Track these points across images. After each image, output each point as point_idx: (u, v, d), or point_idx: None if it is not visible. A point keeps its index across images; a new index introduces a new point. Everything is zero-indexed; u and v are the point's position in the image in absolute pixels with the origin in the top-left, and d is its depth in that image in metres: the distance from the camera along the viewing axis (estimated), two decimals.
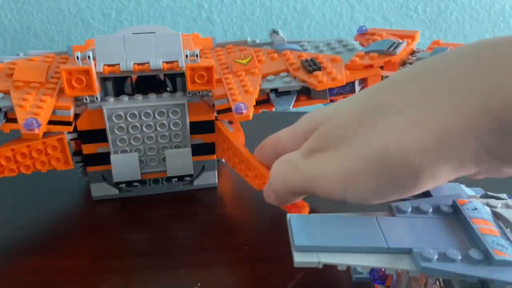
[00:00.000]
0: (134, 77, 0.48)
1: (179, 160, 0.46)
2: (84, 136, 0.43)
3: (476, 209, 0.27)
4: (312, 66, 0.43)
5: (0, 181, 0.44)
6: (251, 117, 0.38)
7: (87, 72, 0.39)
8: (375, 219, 0.27)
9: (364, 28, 0.50)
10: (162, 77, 0.48)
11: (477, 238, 0.25)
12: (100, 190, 0.47)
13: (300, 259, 0.24)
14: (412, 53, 0.45)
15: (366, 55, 0.44)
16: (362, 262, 0.25)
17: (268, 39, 0.51)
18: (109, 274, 0.38)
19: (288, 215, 0.27)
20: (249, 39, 0.52)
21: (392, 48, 0.43)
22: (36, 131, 0.35)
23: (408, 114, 0.24)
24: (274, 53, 0.47)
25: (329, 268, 0.25)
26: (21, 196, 0.49)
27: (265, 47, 0.50)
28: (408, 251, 0.25)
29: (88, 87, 0.40)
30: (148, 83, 0.47)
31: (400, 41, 0.45)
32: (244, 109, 0.38)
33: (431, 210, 0.27)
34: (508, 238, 0.25)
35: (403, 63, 0.44)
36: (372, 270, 0.33)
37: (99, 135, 0.44)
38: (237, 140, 0.44)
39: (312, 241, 0.25)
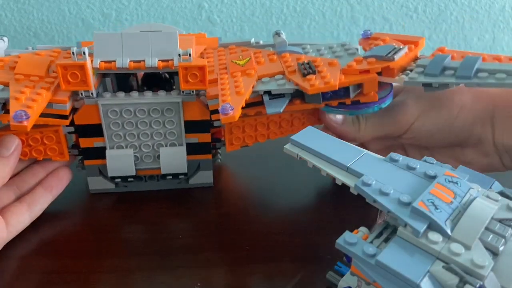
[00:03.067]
0: (140, 74, 0.49)
1: (173, 158, 0.46)
2: (81, 130, 0.44)
3: (452, 182, 0.30)
4: (307, 69, 0.42)
5: None
6: (236, 119, 0.38)
7: (81, 68, 0.40)
8: (363, 152, 0.33)
9: (369, 32, 0.49)
10: (167, 75, 0.48)
11: (423, 192, 0.29)
12: (97, 183, 0.48)
13: (288, 147, 0.35)
14: (416, 59, 0.44)
15: (364, 60, 0.43)
16: (325, 167, 0.33)
17: (271, 41, 0.51)
18: (108, 274, 0.39)
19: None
20: (253, 40, 0.52)
21: (391, 54, 0.42)
22: (25, 123, 0.36)
23: None
24: (273, 55, 0.47)
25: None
26: None
27: (267, 49, 0.49)
28: (360, 176, 0.31)
29: (82, 82, 0.41)
30: (154, 80, 0.48)
31: (401, 47, 0.43)
32: (230, 110, 0.38)
33: (417, 168, 0.31)
34: (454, 210, 0.28)
35: (403, 70, 0.42)
36: None
37: (96, 130, 0.44)
38: None
39: (303, 142, 0.34)
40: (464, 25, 0.76)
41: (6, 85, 0.41)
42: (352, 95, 0.42)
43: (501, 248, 0.26)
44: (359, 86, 0.42)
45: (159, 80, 0.48)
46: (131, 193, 0.49)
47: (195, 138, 0.46)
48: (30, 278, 0.38)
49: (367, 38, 0.48)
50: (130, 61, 0.42)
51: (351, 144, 0.35)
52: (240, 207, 0.48)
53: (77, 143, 0.47)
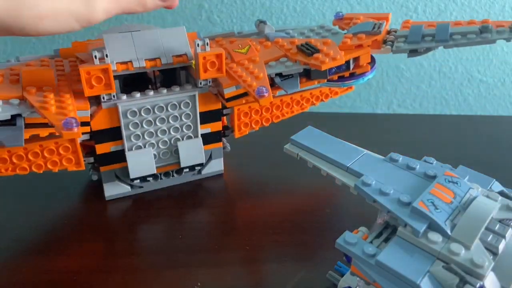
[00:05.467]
0: (157, 72, 0.47)
1: (191, 150, 0.47)
2: (98, 136, 0.44)
3: (452, 182, 0.30)
4: (310, 49, 0.46)
5: (6, 182, 0.43)
6: (271, 100, 0.41)
7: (105, 71, 0.40)
8: (363, 152, 0.34)
9: (340, 14, 0.55)
10: (151, 74, 0.48)
11: (423, 192, 0.29)
12: (113, 189, 0.47)
13: (288, 147, 0.35)
14: (389, 32, 0.51)
15: (354, 37, 0.48)
16: (325, 167, 0.33)
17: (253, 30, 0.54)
18: (109, 274, 0.39)
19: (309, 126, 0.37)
20: (235, 30, 0.54)
21: (376, 29, 0.48)
22: (75, 130, 0.35)
23: None
24: (266, 42, 0.50)
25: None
26: (27, 197, 0.48)
27: (253, 37, 0.52)
28: (360, 176, 0.31)
29: (107, 85, 0.40)
30: (137, 81, 0.47)
31: (381, 22, 0.50)
32: (266, 92, 0.41)
33: (416, 168, 0.32)
34: (454, 210, 0.28)
35: (385, 41, 0.49)
36: None
37: (113, 134, 0.44)
38: None
39: (303, 141, 0.35)
40: None
41: (20, 98, 0.39)
42: (351, 67, 0.48)
43: (501, 248, 0.26)
44: (355, 59, 0.48)
45: (141, 81, 0.48)
46: (134, 197, 0.49)
47: (208, 128, 0.48)
48: (35, 278, 0.38)
49: (340, 19, 0.54)
50: (146, 60, 0.42)
51: (351, 144, 0.35)
52: (241, 208, 0.48)
53: (88, 152, 0.45)
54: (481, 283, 0.25)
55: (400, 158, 0.33)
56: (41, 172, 0.43)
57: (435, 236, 0.27)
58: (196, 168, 0.49)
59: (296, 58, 0.46)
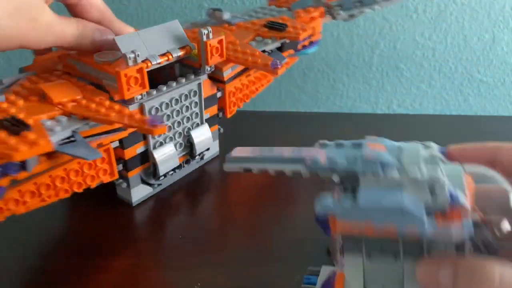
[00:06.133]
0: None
1: (203, 137, 0.50)
2: (127, 140, 0.43)
3: (378, 140, 0.33)
4: (279, 25, 0.53)
5: None
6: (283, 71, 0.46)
7: (140, 71, 0.40)
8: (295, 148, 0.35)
9: None
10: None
11: (362, 151, 0.32)
12: (139, 192, 0.47)
13: (229, 165, 0.33)
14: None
15: (303, 10, 0.56)
16: (267, 167, 0.33)
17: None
18: (108, 274, 0.39)
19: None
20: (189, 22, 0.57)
21: (319, 2, 0.57)
22: (159, 127, 0.36)
23: None
24: (230, 27, 0.54)
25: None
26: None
27: (210, 24, 0.56)
28: (301, 160, 0.33)
29: (142, 85, 0.40)
30: None
31: None
32: (279, 64, 0.46)
33: (344, 143, 0.34)
34: (393, 152, 0.32)
35: (326, 11, 0.58)
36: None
37: (138, 135, 0.44)
38: None
39: (242, 155, 0.33)
40: (464, 25, 0.76)
41: (64, 115, 0.37)
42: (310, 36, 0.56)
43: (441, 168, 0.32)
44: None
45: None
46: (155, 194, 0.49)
47: (207, 113, 0.51)
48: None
49: None
50: (159, 55, 0.43)
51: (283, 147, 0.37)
52: (240, 207, 0.49)
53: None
54: (450, 189, 0.28)
55: (328, 142, 0.35)
56: (81, 190, 0.40)
57: (393, 172, 0.30)
58: (203, 153, 0.52)
59: (270, 35, 0.52)
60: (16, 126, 0.32)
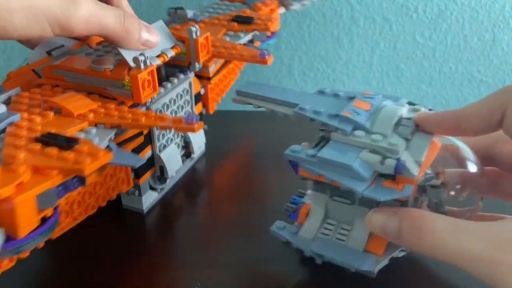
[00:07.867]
0: None
1: (197, 135, 0.50)
2: (139, 145, 0.42)
3: (369, 98, 0.36)
4: (246, 19, 0.54)
5: None
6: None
7: (152, 73, 0.39)
8: (301, 93, 0.39)
9: None
10: None
11: (347, 106, 0.35)
12: (148, 199, 0.46)
13: (237, 98, 0.40)
14: None
15: (261, 4, 0.59)
16: (271, 107, 0.38)
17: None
18: (108, 274, 0.39)
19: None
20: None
21: None
22: (197, 122, 0.36)
23: None
24: (197, 24, 0.55)
25: (328, 270, 0.36)
26: None
27: (173, 25, 0.55)
28: (295, 106, 0.37)
29: (153, 87, 0.40)
30: None
31: None
32: (267, 55, 0.47)
33: (340, 94, 0.38)
34: (372, 114, 0.34)
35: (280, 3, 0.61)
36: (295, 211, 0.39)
37: (146, 139, 0.43)
38: None
39: (249, 90, 0.39)
40: (464, 25, 0.76)
41: (90, 126, 0.35)
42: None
43: (410, 135, 0.33)
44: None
45: None
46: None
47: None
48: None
49: None
50: (156, 57, 0.43)
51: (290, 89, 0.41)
52: (240, 206, 0.48)
53: None
54: (398, 157, 0.31)
55: (327, 90, 0.40)
56: (105, 204, 0.39)
57: (359, 133, 0.33)
58: (199, 149, 0.52)
59: (240, 29, 0.54)
60: (64, 142, 0.30)
